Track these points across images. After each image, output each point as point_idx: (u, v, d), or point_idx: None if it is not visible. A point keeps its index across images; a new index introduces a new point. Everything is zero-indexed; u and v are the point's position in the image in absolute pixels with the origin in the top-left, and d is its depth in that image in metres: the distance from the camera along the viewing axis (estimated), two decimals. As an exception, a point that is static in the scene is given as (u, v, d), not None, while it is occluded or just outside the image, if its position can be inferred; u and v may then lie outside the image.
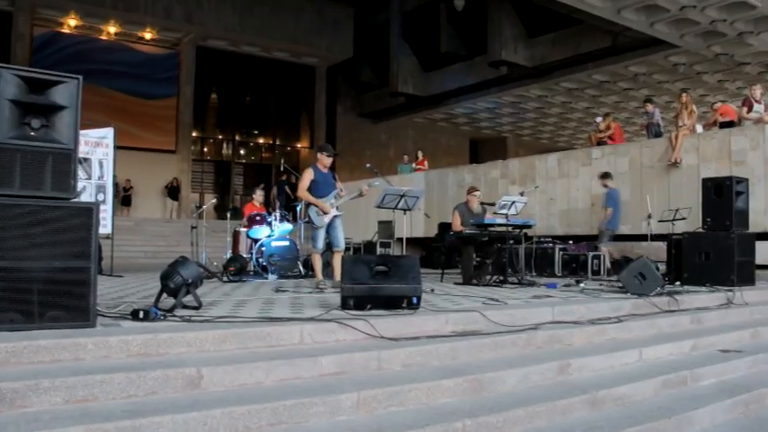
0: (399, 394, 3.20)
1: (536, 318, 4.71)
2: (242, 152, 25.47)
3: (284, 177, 19.48)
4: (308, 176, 6.74)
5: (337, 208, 6.75)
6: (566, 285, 7.31)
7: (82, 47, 21.15)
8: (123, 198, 20.11)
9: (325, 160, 6.82)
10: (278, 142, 25.92)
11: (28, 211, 3.23)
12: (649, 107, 11.93)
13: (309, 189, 6.70)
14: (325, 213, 6.63)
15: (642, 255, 7.69)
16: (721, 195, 7.50)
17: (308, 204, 6.74)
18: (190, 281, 4.13)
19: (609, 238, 10.01)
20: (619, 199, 10.13)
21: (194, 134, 23.72)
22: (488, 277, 7.90)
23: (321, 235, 6.72)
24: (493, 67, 20.73)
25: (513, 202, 8.06)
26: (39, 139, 3.35)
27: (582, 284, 7.31)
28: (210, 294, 5.73)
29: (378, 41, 24.59)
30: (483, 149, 29.77)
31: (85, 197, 8.19)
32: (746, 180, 7.94)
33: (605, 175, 10.32)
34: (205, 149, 24.77)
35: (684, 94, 11.02)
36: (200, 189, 24.04)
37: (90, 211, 3.40)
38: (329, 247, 6.99)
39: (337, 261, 6.55)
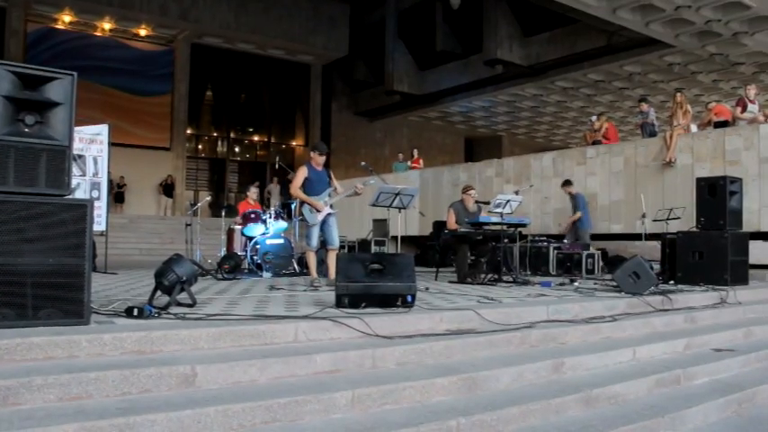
0: (394, 392, 3.20)
1: (530, 316, 4.71)
2: (237, 150, 25.44)
3: (289, 176, 19.57)
4: (301, 174, 6.76)
5: (331, 206, 6.76)
6: (560, 284, 7.33)
7: (76, 43, 21.08)
8: (116, 195, 20.04)
9: (318, 158, 6.83)
10: (273, 140, 25.89)
11: (22, 207, 3.21)
12: (644, 106, 11.95)
13: (303, 187, 6.71)
14: (319, 211, 6.63)
15: (636, 254, 7.71)
16: (715, 195, 7.53)
17: (302, 202, 6.75)
18: (184, 278, 4.12)
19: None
20: (585, 201, 10.76)
21: (189, 131, 23.68)
22: (483, 276, 7.90)
23: (315, 233, 6.72)
24: (488, 66, 20.79)
25: (508, 201, 8.06)
26: (33, 136, 3.33)
27: (576, 283, 7.33)
28: (205, 292, 5.73)
29: (373, 40, 24.57)
30: (478, 148, 29.82)
31: (80, 194, 8.16)
32: (740, 180, 7.98)
33: (567, 183, 10.71)
34: (200, 147, 24.74)
35: (679, 94, 11.05)
36: (195, 186, 24.01)
37: (85, 207, 3.38)
38: (324, 245, 6.99)
39: (331, 259, 6.55)
